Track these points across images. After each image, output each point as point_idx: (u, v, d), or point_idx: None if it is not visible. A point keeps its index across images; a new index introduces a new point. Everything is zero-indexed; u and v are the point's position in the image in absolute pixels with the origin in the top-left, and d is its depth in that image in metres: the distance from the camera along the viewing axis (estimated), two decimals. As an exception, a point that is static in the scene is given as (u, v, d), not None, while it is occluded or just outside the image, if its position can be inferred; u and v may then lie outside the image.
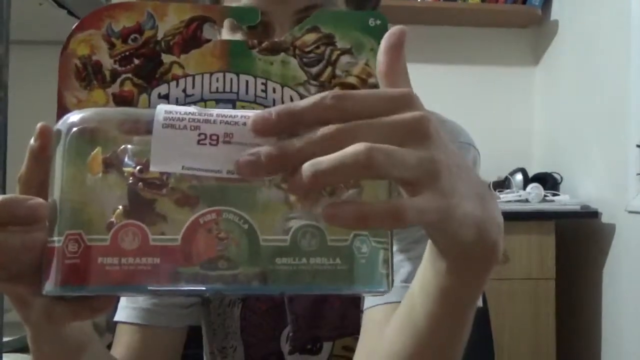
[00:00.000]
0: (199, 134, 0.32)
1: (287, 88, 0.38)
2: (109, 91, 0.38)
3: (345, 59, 0.38)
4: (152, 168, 0.33)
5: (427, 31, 2.61)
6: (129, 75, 0.38)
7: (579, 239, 2.25)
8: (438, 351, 0.46)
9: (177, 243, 0.33)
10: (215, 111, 0.33)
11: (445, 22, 2.60)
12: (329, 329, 0.74)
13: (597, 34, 2.18)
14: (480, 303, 0.62)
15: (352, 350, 0.72)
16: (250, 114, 0.33)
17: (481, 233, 0.36)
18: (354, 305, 0.73)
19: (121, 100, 0.38)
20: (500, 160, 2.40)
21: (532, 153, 2.68)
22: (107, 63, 0.38)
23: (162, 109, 0.33)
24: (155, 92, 0.38)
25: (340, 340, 0.74)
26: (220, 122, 0.33)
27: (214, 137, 0.32)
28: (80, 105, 0.37)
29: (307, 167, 0.30)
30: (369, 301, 0.63)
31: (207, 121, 0.33)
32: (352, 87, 0.38)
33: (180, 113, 0.33)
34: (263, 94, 0.38)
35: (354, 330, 0.72)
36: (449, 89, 2.57)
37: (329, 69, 0.38)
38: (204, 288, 0.33)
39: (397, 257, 0.63)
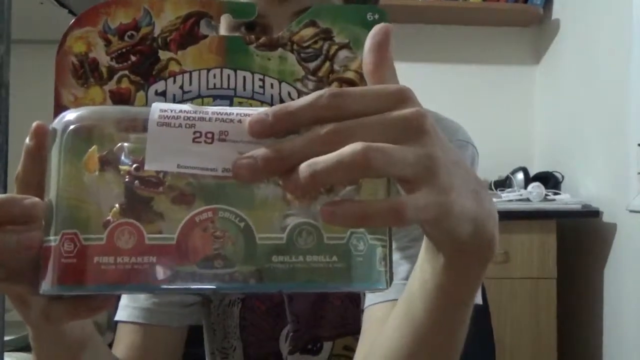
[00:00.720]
0: (194, 132, 0.32)
1: (284, 84, 0.38)
2: (105, 88, 0.37)
3: (343, 53, 0.38)
4: (147, 167, 0.33)
5: (427, 30, 2.61)
6: (126, 72, 0.37)
7: (580, 238, 2.24)
8: (436, 348, 0.46)
9: (172, 242, 0.33)
10: (211, 109, 0.33)
11: (446, 21, 2.60)
12: (329, 328, 0.74)
13: (598, 33, 2.18)
14: (479, 300, 0.63)
15: (352, 350, 0.72)
16: (245, 111, 0.33)
17: (478, 228, 0.37)
18: (354, 305, 0.72)
19: (118, 97, 0.37)
20: (501, 159, 2.40)
21: (533, 152, 2.68)
22: (104, 60, 0.37)
23: (157, 107, 0.33)
24: (152, 89, 0.37)
25: (341, 340, 0.74)
26: (216, 120, 0.33)
27: (209, 135, 0.32)
28: (77, 103, 0.37)
29: (304, 167, 0.30)
30: (368, 299, 0.63)
31: (202, 119, 0.32)
32: (351, 82, 0.38)
33: (175, 111, 0.33)
34: (261, 90, 0.38)
35: (355, 330, 0.71)
36: (449, 88, 2.57)
37: (327, 64, 0.38)
38: (201, 287, 0.33)
39: (395, 256, 0.63)
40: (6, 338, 1.02)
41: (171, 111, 0.33)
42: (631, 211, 1.91)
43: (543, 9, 2.54)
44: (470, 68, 2.64)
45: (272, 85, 0.38)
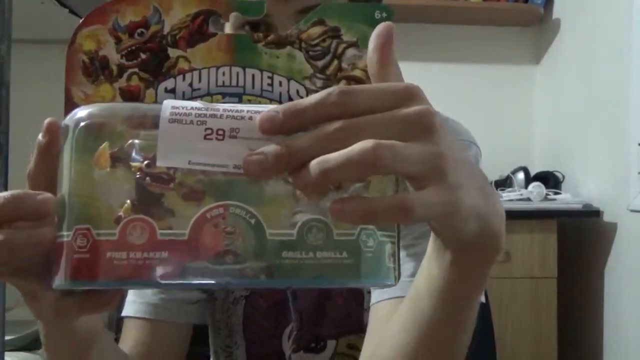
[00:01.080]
0: (206, 129, 0.32)
1: (293, 81, 0.38)
2: (115, 86, 0.38)
3: (351, 52, 0.38)
4: (158, 163, 0.33)
5: (428, 30, 2.61)
6: (136, 69, 0.38)
7: (580, 238, 2.24)
8: (442, 345, 0.46)
9: (184, 238, 0.33)
10: (222, 106, 0.33)
11: (446, 21, 2.60)
12: (332, 327, 0.74)
13: (599, 32, 2.18)
14: (482, 298, 0.63)
15: (356, 348, 0.72)
16: (256, 109, 0.33)
17: (485, 225, 0.37)
18: (357, 303, 0.73)
19: (128, 94, 0.38)
20: (502, 159, 2.40)
21: (533, 152, 2.68)
22: (114, 58, 0.38)
23: (169, 104, 0.33)
24: (162, 87, 0.38)
25: (344, 339, 0.74)
26: (227, 117, 0.33)
27: (220, 132, 0.32)
28: (87, 100, 0.37)
29: (315, 164, 0.30)
30: (374, 297, 0.64)
31: (213, 116, 0.33)
32: (359, 80, 0.38)
33: (186, 108, 0.33)
34: (269, 88, 0.38)
35: (358, 328, 0.72)
36: (450, 87, 2.57)
37: (335, 62, 0.38)
38: (212, 282, 0.34)
39: (401, 253, 0.63)
40: (6, 338, 1.02)
41: (182, 108, 0.33)
42: (632, 211, 1.91)
43: (544, 9, 2.54)
44: (471, 68, 2.64)
45: (280, 83, 0.38)
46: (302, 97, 0.37)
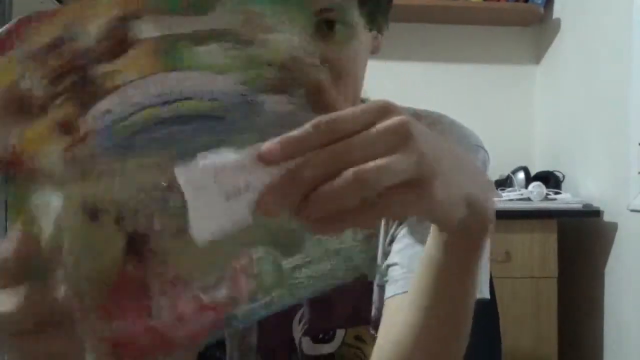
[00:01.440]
0: (224, 191, 0.33)
1: (227, 76, 0.36)
2: (49, 117, 0.34)
3: (274, 36, 0.37)
4: (196, 237, 0.32)
5: (428, 30, 2.61)
6: (65, 95, 0.34)
7: (581, 238, 2.24)
8: (443, 342, 0.51)
9: (222, 295, 0.36)
10: (227, 160, 0.33)
11: (447, 21, 2.60)
12: (341, 317, 0.76)
13: (599, 32, 2.18)
14: (487, 294, 0.66)
15: (363, 340, 0.75)
16: (254, 152, 0.33)
17: (470, 206, 0.41)
18: (366, 297, 0.75)
19: (64, 124, 0.34)
20: (502, 159, 2.39)
21: (534, 151, 2.68)
22: (38, 87, 0.33)
23: (181, 172, 0.32)
24: (96, 110, 0.34)
25: (352, 330, 0.76)
26: (238, 170, 0.33)
27: (237, 189, 0.33)
28: (27, 142, 0.33)
29: (315, 197, 0.34)
30: (388, 292, 0.67)
31: (222, 172, 0.33)
32: (283, 65, 0.37)
33: (197, 172, 0.32)
34: (206, 87, 0.36)
35: (366, 320, 0.74)
36: (450, 87, 2.57)
37: (262, 50, 0.37)
38: (251, 320, 0.38)
39: (416, 248, 0.67)
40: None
41: (194, 171, 0.32)
42: (632, 210, 1.91)
43: (544, 9, 2.54)
44: (471, 68, 2.64)
45: (215, 80, 0.36)
46: (244, 95, 0.36)
